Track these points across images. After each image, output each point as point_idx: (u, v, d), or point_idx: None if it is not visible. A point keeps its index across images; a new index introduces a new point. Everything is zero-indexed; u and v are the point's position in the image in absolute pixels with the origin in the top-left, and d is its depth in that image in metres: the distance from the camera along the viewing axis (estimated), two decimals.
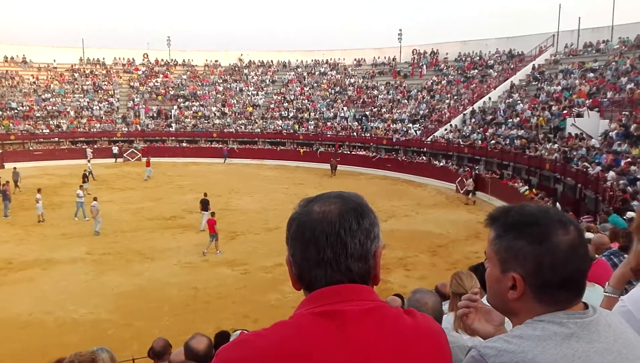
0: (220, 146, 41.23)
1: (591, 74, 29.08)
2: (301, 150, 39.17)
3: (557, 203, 18.78)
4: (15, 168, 28.17)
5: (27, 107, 41.45)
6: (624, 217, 10.72)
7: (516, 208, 1.26)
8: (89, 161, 32.62)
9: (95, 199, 20.12)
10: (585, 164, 19.17)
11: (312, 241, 1.15)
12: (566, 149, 22.21)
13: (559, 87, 29.74)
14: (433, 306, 2.99)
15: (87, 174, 28.05)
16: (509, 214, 1.24)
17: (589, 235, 8.47)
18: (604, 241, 5.42)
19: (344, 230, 1.15)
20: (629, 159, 17.23)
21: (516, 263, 1.18)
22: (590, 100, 25.80)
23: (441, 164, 30.71)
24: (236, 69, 51.04)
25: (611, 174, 16.51)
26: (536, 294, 1.18)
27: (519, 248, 1.18)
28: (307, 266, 1.17)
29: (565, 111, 26.24)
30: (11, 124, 39.32)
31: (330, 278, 1.16)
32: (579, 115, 24.61)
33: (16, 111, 40.79)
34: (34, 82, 44.51)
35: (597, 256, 4.98)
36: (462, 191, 26.29)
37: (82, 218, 21.31)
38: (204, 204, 19.95)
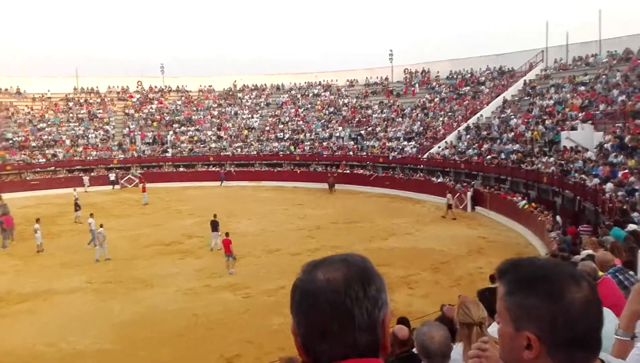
0: (217, 169, 41.28)
1: (582, 88, 29.41)
2: (298, 170, 39.34)
3: (558, 216, 18.85)
4: (1, 199, 27.43)
5: (23, 138, 41.47)
6: (626, 229, 10.74)
7: (525, 261, 1.22)
8: (74, 190, 32.04)
9: (101, 226, 20.06)
10: (583, 176, 19.27)
11: (317, 312, 1.09)
12: (562, 162, 22.34)
13: (551, 101, 30.04)
14: (440, 340, 2.98)
15: (77, 202, 27.82)
16: (519, 268, 1.20)
17: (588, 251, 8.48)
18: (608, 258, 5.42)
19: (350, 299, 1.08)
20: (626, 171, 17.34)
21: (530, 321, 1.14)
22: (583, 113, 26.05)
23: (439, 180, 30.80)
24: (230, 93, 51.36)
25: (609, 185, 16.59)
26: (551, 353, 1.13)
27: (533, 306, 1.13)
28: (312, 339, 1.11)
29: (559, 125, 26.48)
30: (7, 155, 39.28)
31: (337, 354, 1.09)
32: (573, 128, 24.83)
33: (12, 141, 40.78)
34: (29, 113, 44.62)
35: (602, 273, 4.99)
36: (454, 207, 26.29)
37: (93, 247, 20.89)
38: (214, 226, 20.38)
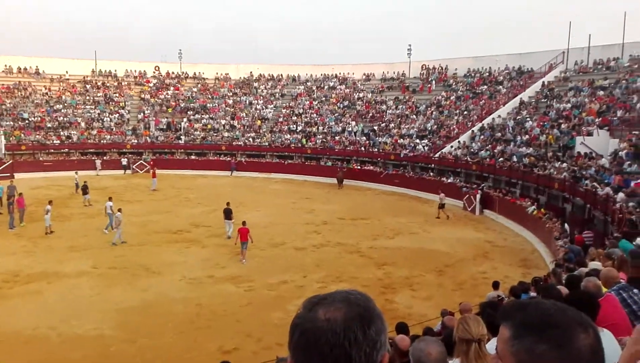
0: (228, 159, 41.41)
1: (601, 92, 28.91)
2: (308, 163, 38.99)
3: (566, 223, 18.62)
4: (12, 181, 26.85)
5: (39, 118, 41.90)
6: (634, 242, 10.58)
7: (532, 305, 1.21)
8: (76, 173, 32.13)
9: (119, 210, 20.42)
10: (595, 184, 18.98)
11: (315, 352, 1.09)
12: (575, 168, 22.03)
13: (569, 105, 29.60)
14: (436, 357, 2.95)
15: (86, 185, 28.12)
16: (527, 312, 1.19)
17: (596, 264, 8.36)
18: (614, 274, 5.32)
19: (349, 341, 1.09)
20: (638, 181, 17.04)
21: None
22: (600, 118, 25.62)
23: (449, 180, 30.59)
24: (246, 82, 51.39)
25: (620, 195, 16.31)
26: None
27: (542, 353, 1.12)
28: None
29: (574, 129, 26.10)
30: (22, 135, 39.74)
31: None
32: (589, 133, 24.44)
33: (27, 121, 41.23)
34: (46, 93, 45.03)
35: (605, 290, 4.89)
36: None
37: (111, 230, 21.33)
38: (227, 214, 20.84)
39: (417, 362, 3.01)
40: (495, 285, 12.33)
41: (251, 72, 52.19)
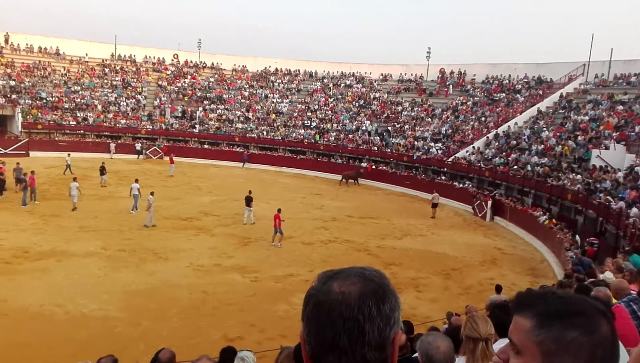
0: (241, 150, 41.52)
1: (620, 107, 28.59)
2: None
3: (577, 235, 18.47)
4: (18, 163, 25.81)
5: (57, 98, 42.28)
6: None
7: (550, 294, 1.19)
8: (68, 155, 32.09)
9: (152, 193, 21.08)
10: (608, 198, 18.79)
11: (329, 324, 1.09)
12: (590, 181, 21.82)
13: (587, 118, 29.31)
14: (445, 351, 2.93)
15: (104, 166, 28.44)
16: (548, 301, 1.16)
17: (607, 275, 8.29)
18: (624, 286, 5.27)
19: (363, 315, 1.08)
20: None
21: (567, 355, 1.10)
22: (618, 133, 25.36)
23: (461, 185, 30.45)
24: (263, 75, 51.46)
25: (634, 210, 16.15)
26: None
27: (572, 339, 1.09)
28: (320, 349, 1.11)
29: (591, 142, 25.85)
30: (39, 114, 40.14)
31: None
32: (606, 147, 24.20)
33: (45, 101, 41.63)
34: (65, 74, 45.41)
35: (615, 301, 4.85)
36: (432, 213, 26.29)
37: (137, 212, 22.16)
38: (248, 201, 21.70)
39: (424, 355, 2.99)
40: (498, 289, 12.36)
41: (269, 65, 52.26)
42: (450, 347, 3.04)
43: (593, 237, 17.85)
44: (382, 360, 1.11)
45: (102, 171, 28.01)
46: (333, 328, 1.08)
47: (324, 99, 47.24)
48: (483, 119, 36.94)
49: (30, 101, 40.87)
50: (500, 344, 3.18)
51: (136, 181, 23.47)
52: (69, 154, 32.26)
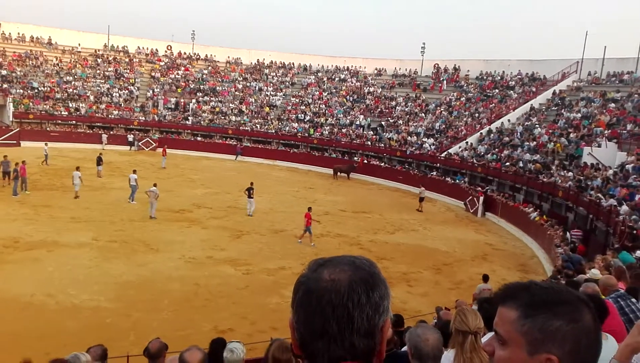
0: (234, 143, 41.42)
1: (612, 105, 28.79)
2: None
3: (568, 232, 18.61)
4: (5, 156, 24.48)
5: (49, 88, 41.92)
6: (634, 255, 10.58)
7: (533, 285, 1.21)
8: (46, 144, 31.35)
9: (154, 185, 21.02)
10: (599, 195, 18.95)
11: (318, 311, 1.09)
12: (581, 178, 21.99)
13: (579, 115, 29.49)
14: (433, 344, 2.96)
15: (100, 157, 28.39)
16: (531, 292, 1.18)
17: (594, 272, 8.38)
18: (612, 282, 5.33)
19: (352, 303, 1.09)
20: None
21: (553, 344, 1.12)
22: (609, 130, 25.55)
23: (454, 181, 30.58)
24: (257, 68, 51.28)
25: (624, 208, 16.29)
26: None
27: (557, 328, 1.12)
28: (309, 336, 1.11)
29: (583, 139, 26.02)
30: (31, 104, 39.80)
31: (333, 353, 1.10)
32: (598, 145, 24.38)
33: (37, 91, 41.27)
34: (57, 64, 45.03)
35: (603, 297, 4.90)
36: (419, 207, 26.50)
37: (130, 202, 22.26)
38: (249, 192, 21.89)
39: (413, 347, 3.02)
40: (485, 278, 12.55)
41: (263, 58, 52.06)
42: (439, 339, 3.07)
43: (576, 229, 18.07)
44: (370, 347, 1.12)
45: (99, 161, 27.90)
46: (322, 315, 1.09)
47: (318, 92, 47.17)
48: (476, 115, 37.06)
49: (21, 91, 40.50)
50: (488, 338, 3.21)
51: (134, 171, 23.43)
52: (46, 144, 31.54)
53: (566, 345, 1.11)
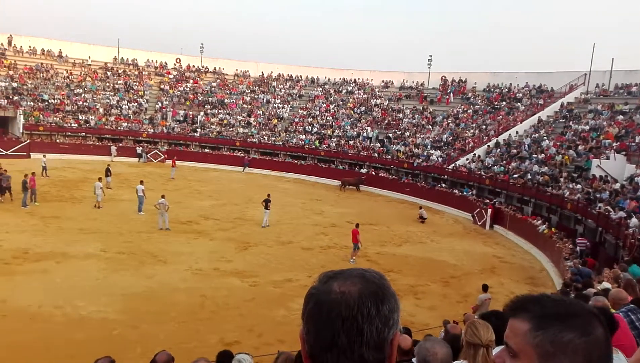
0: (242, 154, 41.58)
1: (620, 117, 28.66)
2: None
3: (577, 245, 18.45)
4: (5, 171, 23.70)
5: (59, 101, 42.38)
6: None
7: (544, 297, 1.21)
8: (44, 156, 31.24)
9: (162, 196, 21.17)
10: (608, 208, 18.80)
11: (328, 323, 1.10)
12: (590, 190, 21.84)
13: (587, 127, 29.37)
14: (442, 358, 2.95)
15: (109, 168, 28.68)
16: (543, 304, 1.18)
17: (605, 285, 8.30)
18: (622, 296, 5.28)
19: (362, 315, 1.09)
20: None
21: (564, 357, 1.11)
22: (618, 143, 25.41)
23: (461, 193, 30.47)
24: (265, 80, 51.62)
25: (634, 221, 16.15)
26: None
27: (569, 341, 1.11)
28: (318, 348, 1.12)
29: (591, 152, 25.89)
30: (41, 116, 40.22)
31: None
32: (606, 157, 24.24)
33: (47, 103, 41.72)
34: (68, 77, 45.55)
35: (613, 311, 4.85)
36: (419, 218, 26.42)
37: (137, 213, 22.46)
38: (266, 203, 22.19)
39: (422, 360, 3.01)
40: (485, 288, 12.51)
41: (271, 71, 52.44)
42: (447, 353, 3.05)
43: (581, 237, 17.94)
44: (380, 360, 1.12)
45: (107, 173, 28.12)
46: (332, 327, 1.09)
47: (325, 105, 47.35)
48: (484, 127, 37.00)
49: (32, 103, 40.96)
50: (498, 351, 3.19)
51: (141, 182, 23.59)
52: (44, 155, 31.44)
53: (577, 358, 1.10)
